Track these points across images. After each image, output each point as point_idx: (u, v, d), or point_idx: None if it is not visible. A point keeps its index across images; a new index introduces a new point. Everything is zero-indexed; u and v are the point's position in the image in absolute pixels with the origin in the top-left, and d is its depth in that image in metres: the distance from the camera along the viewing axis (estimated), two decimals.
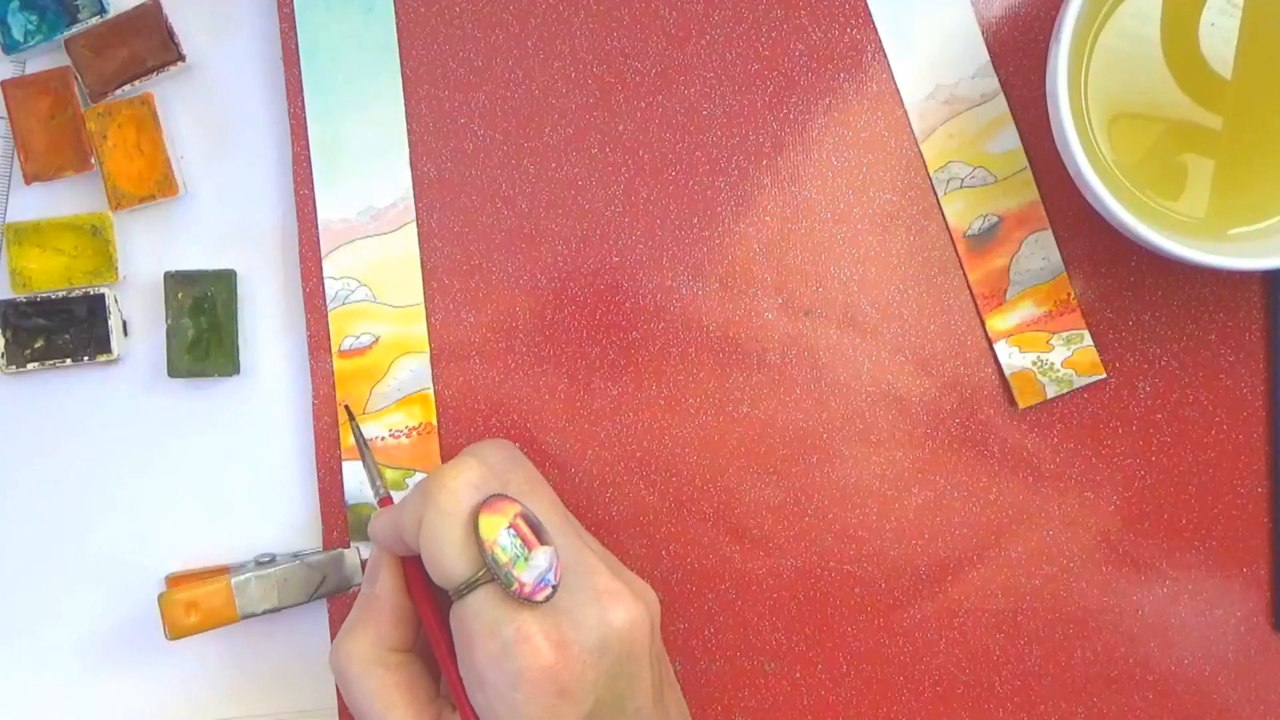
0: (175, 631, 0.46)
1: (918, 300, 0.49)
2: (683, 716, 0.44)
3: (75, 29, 0.48)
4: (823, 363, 0.49)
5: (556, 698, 0.39)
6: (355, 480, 0.49)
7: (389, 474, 0.49)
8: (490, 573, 0.39)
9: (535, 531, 0.39)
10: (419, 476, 0.49)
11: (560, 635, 0.39)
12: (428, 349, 0.49)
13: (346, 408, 0.48)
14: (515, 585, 0.38)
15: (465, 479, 0.40)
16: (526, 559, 0.39)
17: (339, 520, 0.49)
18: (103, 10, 0.48)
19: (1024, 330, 0.48)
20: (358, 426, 0.47)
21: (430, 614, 0.43)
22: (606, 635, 0.40)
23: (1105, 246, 0.48)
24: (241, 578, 0.46)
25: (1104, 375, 0.49)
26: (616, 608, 0.40)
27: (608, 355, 0.49)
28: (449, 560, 0.39)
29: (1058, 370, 0.48)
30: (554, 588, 0.39)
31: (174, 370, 0.48)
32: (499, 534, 0.39)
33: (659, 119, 0.49)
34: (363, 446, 0.47)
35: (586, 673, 0.39)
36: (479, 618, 0.39)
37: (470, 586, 0.39)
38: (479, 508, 0.39)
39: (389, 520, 0.42)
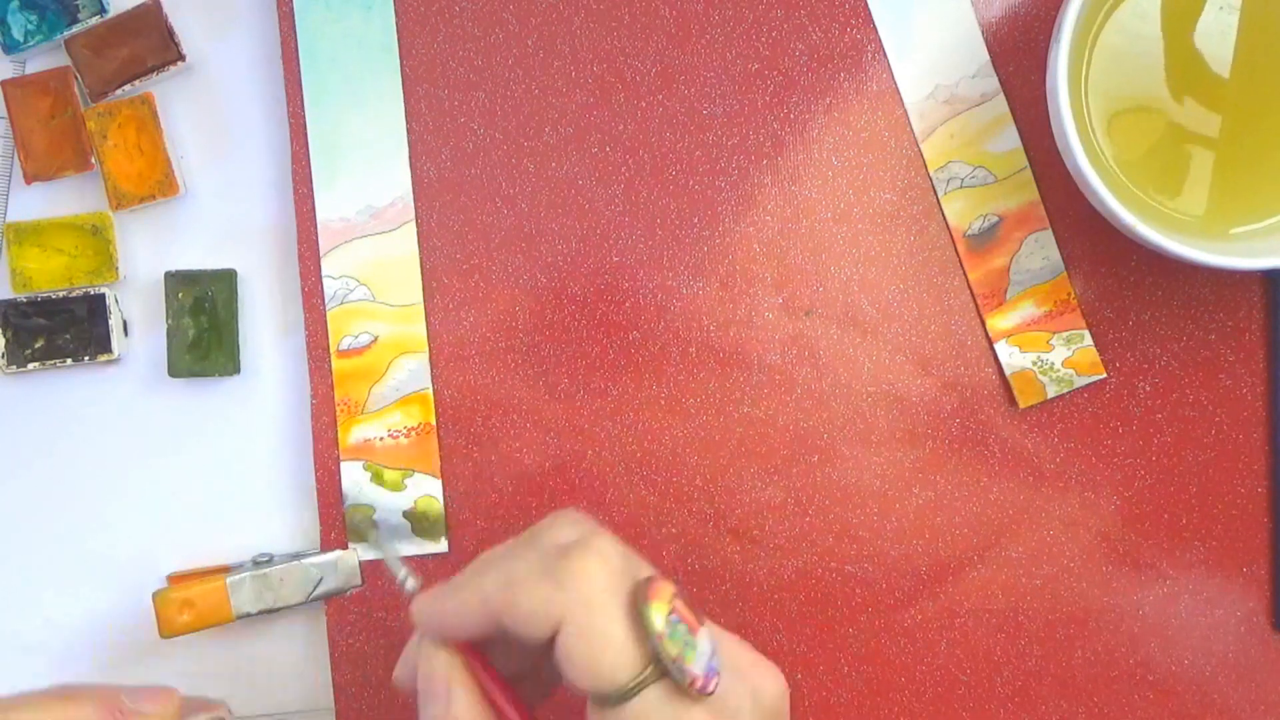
0: (167, 630, 0.45)
1: (918, 300, 0.49)
2: None
3: (75, 29, 0.48)
4: (823, 363, 0.49)
5: None
6: (353, 481, 0.48)
7: (388, 475, 0.48)
8: (660, 669, 0.34)
9: (692, 610, 0.34)
10: (418, 477, 0.48)
11: None
12: (427, 349, 0.49)
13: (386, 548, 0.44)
14: (689, 679, 0.33)
15: (613, 566, 0.34)
16: (695, 647, 0.34)
17: (337, 521, 0.49)
18: (103, 10, 0.48)
19: (1024, 330, 0.48)
20: (379, 536, 0.46)
21: None
22: (763, 718, 0.36)
23: (1105, 246, 0.48)
24: (236, 577, 0.46)
25: (1104, 375, 0.49)
26: (765, 679, 0.36)
27: (608, 355, 0.49)
28: (610, 662, 0.33)
29: (1058, 370, 0.48)
30: (718, 675, 0.34)
31: (174, 370, 0.48)
32: (665, 623, 0.33)
33: (659, 119, 0.49)
34: (387, 552, 0.42)
35: None
36: None
37: (638, 689, 0.33)
38: (637, 594, 0.34)
39: (461, 602, 0.35)
